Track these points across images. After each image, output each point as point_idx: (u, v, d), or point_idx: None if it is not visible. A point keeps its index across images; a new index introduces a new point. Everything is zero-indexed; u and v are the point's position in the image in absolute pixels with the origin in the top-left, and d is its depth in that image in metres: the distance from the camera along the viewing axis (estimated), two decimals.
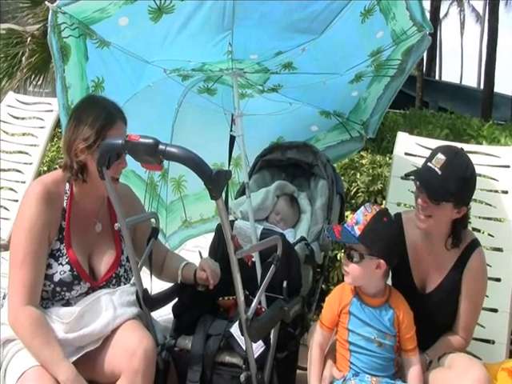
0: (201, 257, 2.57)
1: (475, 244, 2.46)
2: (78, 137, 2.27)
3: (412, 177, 2.40)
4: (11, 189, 4.44)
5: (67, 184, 2.35)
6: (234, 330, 2.34)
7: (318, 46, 2.69)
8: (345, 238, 2.25)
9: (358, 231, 2.22)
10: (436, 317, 2.45)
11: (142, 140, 1.89)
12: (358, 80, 3.11)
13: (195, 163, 1.84)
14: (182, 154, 1.85)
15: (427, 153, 3.18)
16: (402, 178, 3.23)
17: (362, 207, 2.28)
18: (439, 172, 2.28)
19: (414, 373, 2.27)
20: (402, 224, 2.55)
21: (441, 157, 2.31)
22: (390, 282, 2.46)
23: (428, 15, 3.12)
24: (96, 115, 2.29)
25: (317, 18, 2.52)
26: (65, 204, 2.33)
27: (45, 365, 2.07)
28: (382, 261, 2.23)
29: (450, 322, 2.48)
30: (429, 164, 2.33)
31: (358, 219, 2.24)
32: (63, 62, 2.50)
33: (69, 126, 2.33)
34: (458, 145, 2.90)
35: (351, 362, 2.29)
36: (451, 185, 2.28)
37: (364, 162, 4.58)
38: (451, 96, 16.72)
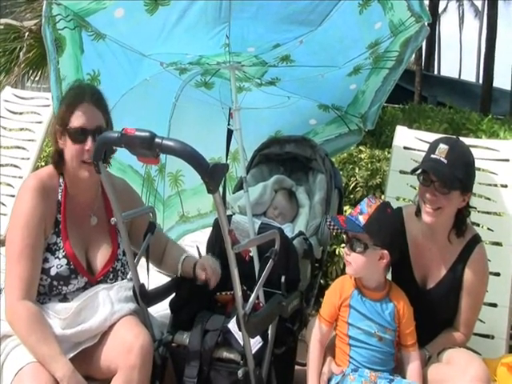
0: (199, 252, 2.54)
1: (477, 239, 2.45)
2: (56, 122, 2.28)
3: (418, 172, 2.38)
4: (9, 184, 4.43)
5: (61, 177, 2.34)
6: (232, 325, 2.32)
7: (315, 38, 2.67)
8: (350, 226, 2.25)
9: (362, 221, 2.21)
10: (436, 312, 2.43)
11: (138, 133, 1.87)
12: (356, 73, 3.09)
13: (192, 156, 1.82)
14: (179, 148, 1.83)
15: (426, 147, 3.17)
16: (400, 172, 3.22)
17: (366, 199, 2.29)
18: (445, 161, 2.29)
19: (413, 368, 2.26)
20: (403, 219, 2.54)
21: (443, 146, 2.32)
22: (389, 277, 2.45)
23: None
24: (66, 97, 2.30)
25: (314, 9, 2.51)
26: (59, 197, 2.31)
27: (42, 361, 2.06)
28: (385, 251, 2.22)
29: (450, 317, 2.47)
30: (432, 156, 2.34)
31: (363, 209, 2.24)
32: (58, 53, 2.48)
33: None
34: None
35: (351, 357, 2.28)
36: (459, 171, 2.30)
37: (363, 156, 4.57)
38: (450, 91, 16.74)
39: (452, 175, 2.28)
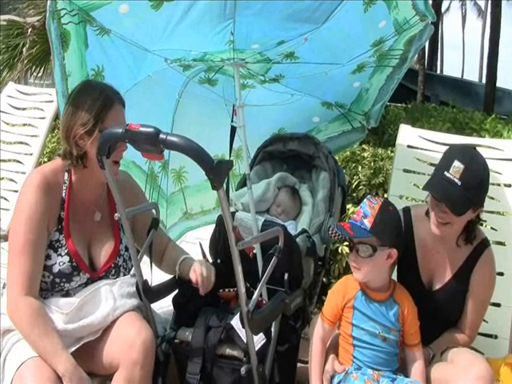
0: (201, 249, 2.53)
1: (485, 244, 2.43)
2: (77, 122, 2.24)
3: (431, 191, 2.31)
4: (11, 179, 4.42)
5: (66, 174, 2.32)
6: (235, 322, 2.31)
7: (320, 36, 2.66)
8: (357, 233, 2.19)
9: (368, 224, 2.17)
10: (441, 314, 2.42)
11: (142, 129, 1.87)
12: (360, 70, 3.08)
13: (196, 152, 1.81)
14: (183, 143, 1.83)
15: (430, 145, 3.18)
16: (404, 170, 3.21)
17: (366, 200, 2.25)
18: (459, 182, 2.20)
19: (417, 368, 2.25)
20: (411, 220, 2.51)
21: (458, 165, 2.22)
22: (394, 277, 2.44)
23: None
24: (93, 99, 2.24)
25: (319, 6, 2.50)
26: (64, 194, 2.30)
27: (43, 356, 2.05)
28: (394, 250, 2.21)
29: (455, 319, 2.46)
30: (446, 174, 2.23)
31: (366, 212, 2.20)
32: (63, 49, 2.47)
33: (66, 112, 2.29)
34: (464, 139, 2.88)
35: (354, 357, 2.27)
36: (472, 193, 2.22)
37: (365, 155, 4.58)
38: (453, 90, 16.74)
39: (464, 198, 2.21)
